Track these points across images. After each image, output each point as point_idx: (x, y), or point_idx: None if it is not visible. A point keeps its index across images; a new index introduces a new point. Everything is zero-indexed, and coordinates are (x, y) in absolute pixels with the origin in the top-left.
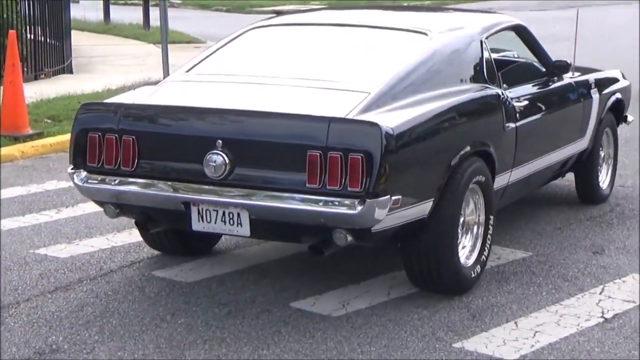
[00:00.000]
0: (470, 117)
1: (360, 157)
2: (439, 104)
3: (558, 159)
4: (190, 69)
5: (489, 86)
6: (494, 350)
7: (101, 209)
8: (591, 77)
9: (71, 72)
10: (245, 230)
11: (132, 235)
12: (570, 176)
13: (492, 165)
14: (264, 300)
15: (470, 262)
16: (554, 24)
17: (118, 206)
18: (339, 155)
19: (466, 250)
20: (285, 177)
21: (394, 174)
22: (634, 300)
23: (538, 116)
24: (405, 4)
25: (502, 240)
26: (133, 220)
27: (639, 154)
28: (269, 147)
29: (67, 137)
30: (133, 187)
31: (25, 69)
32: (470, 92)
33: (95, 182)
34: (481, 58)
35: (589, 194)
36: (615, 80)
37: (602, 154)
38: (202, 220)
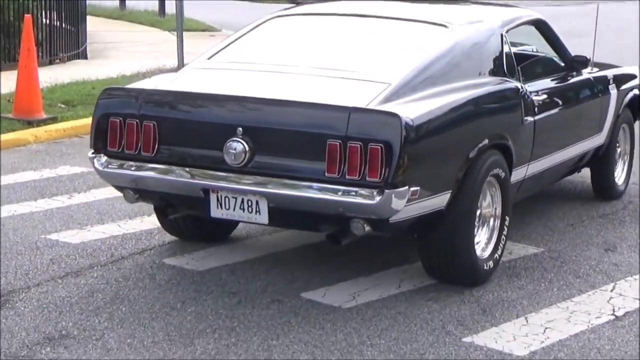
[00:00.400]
0: (489, 110)
1: (379, 147)
2: (458, 96)
3: (575, 154)
4: (212, 56)
5: (509, 80)
6: (504, 346)
7: (112, 195)
8: (609, 73)
9: (86, 57)
10: (264, 218)
11: (144, 223)
12: (583, 172)
13: (510, 158)
14: (274, 290)
15: (486, 254)
16: (570, 20)
17: (137, 191)
18: (358, 145)
19: (482, 243)
20: (304, 165)
21: (413, 165)
22: None
23: (556, 110)
24: None
25: (513, 236)
26: (144, 208)
27: None
28: (289, 136)
29: (80, 122)
30: (153, 172)
31: (40, 54)
32: (490, 85)
33: (116, 166)
34: (501, 51)
35: (604, 189)
36: (633, 77)
37: (618, 149)
38: (221, 207)
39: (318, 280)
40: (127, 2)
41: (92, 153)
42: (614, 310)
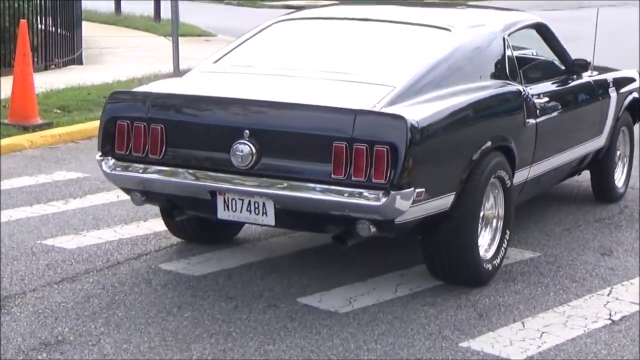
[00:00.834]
0: (493, 112)
1: (385, 149)
2: (462, 98)
3: (576, 156)
4: (217, 60)
5: (511, 83)
6: (501, 351)
7: (108, 201)
8: (609, 76)
9: (81, 63)
10: (270, 219)
11: (140, 228)
12: (579, 176)
13: (513, 160)
14: (270, 295)
15: (489, 255)
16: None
17: (145, 193)
18: (364, 147)
19: (485, 244)
20: (310, 167)
21: (418, 166)
22: None
23: (557, 113)
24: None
25: (510, 240)
26: (140, 213)
27: None
28: (296, 138)
29: (76, 127)
30: (160, 175)
31: (36, 59)
32: (493, 88)
33: (123, 169)
34: (503, 55)
35: (604, 192)
36: (632, 80)
37: (618, 152)
38: (228, 209)
39: (314, 285)
40: (122, 7)
41: (100, 156)
42: (610, 315)
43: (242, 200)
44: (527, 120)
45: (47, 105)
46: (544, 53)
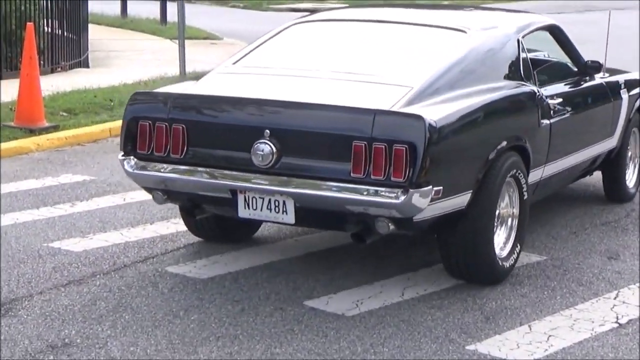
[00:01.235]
0: (508, 113)
1: (404, 148)
2: (478, 99)
3: (588, 157)
4: (237, 61)
5: (525, 84)
6: (507, 354)
7: (114, 204)
8: (621, 78)
9: (87, 66)
10: (290, 217)
11: (146, 231)
12: (587, 179)
13: (527, 160)
14: (277, 298)
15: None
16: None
17: (166, 192)
18: (383, 146)
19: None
20: (330, 166)
21: (436, 165)
22: None
23: (571, 114)
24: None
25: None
26: (146, 216)
27: None
28: (315, 138)
29: (82, 130)
30: (181, 174)
31: (42, 62)
32: (508, 88)
33: (145, 168)
34: (518, 56)
35: (616, 192)
36: None
37: (629, 153)
38: (248, 208)
39: (321, 288)
40: (128, 10)
41: (122, 156)
42: (617, 318)
43: (263, 198)
44: (542, 121)
45: (54, 108)
46: (556, 55)
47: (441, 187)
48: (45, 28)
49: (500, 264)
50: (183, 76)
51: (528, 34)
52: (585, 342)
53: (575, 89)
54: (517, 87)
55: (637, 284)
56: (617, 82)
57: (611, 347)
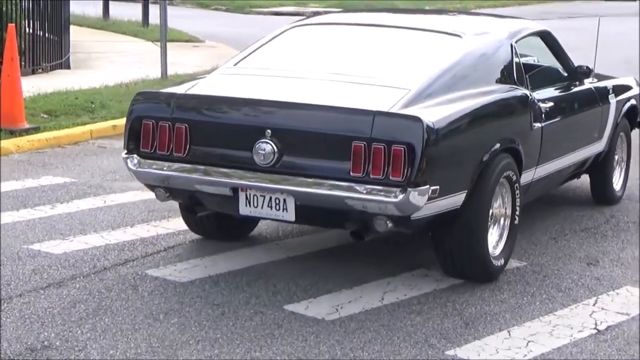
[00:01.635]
0: (502, 115)
1: (402, 148)
2: (474, 102)
3: (577, 160)
4: (237, 63)
5: (518, 87)
6: (487, 359)
7: (95, 206)
8: (609, 84)
9: (69, 67)
10: (291, 215)
11: (126, 233)
12: (567, 186)
13: (520, 162)
14: (257, 302)
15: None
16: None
17: (168, 190)
18: (382, 147)
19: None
20: (330, 165)
21: (433, 165)
22: (627, 312)
23: (562, 118)
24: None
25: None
26: (127, 219)
27: (638, 166)
28: (316, 138)
29: (63, 132)
30: (184, 172)
31: (23, 63)
32: (501, 92)
33: (148, 166)
34: (511, 61)
35: (603, 195)
36: (629, 87)
37: (616, 157)
38: (249, 205)
39: (301, 293)
40: (110, 12)
41: (126, 154)
42: (596, 325)
43: (264, 196)
44: (534, 124)
45: (34, 109)
46: (545, 60)
47: (438, 187)
48: (27, 29)
49: (493, 262)
50: (165, 78)
51: (521, 39)
52: (564, 348)
53: (566, 93)
54: (511, 91)
55: (617, 290)
56: (606, 87)
57: (590, 354)
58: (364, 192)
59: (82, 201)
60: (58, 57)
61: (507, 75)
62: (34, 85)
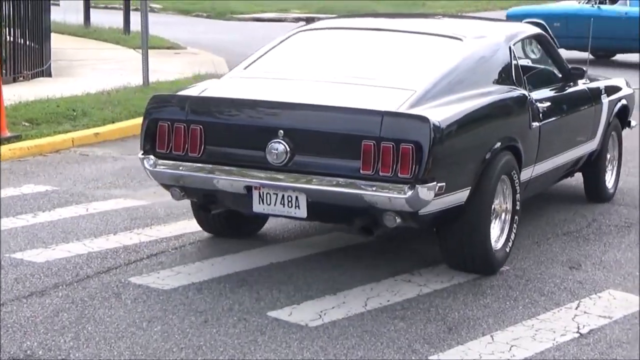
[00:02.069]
0: (503, 115)
1: (410, 147)
2: (476, 102)
3: (572, 158)
4: (247, 67)
5: (517, 88)
6: None
7: (77, 214)
8: (601, 84)
9: (50, 75)
10: (303, 212)
11: (109, 241)
12: (550, 190)
13: (520, 159)
14: (240, 308)
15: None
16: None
17: (183, 189)
18: (391, 145)
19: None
20: (340, 164)
21: (440, 163)
22: (610, 315)
23: (558, 117)
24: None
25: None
26: (109, 226)
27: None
28: (327, 137)
29: (45, 140)
30: (199, 171)
31: (4, 71)
32: (501, 93)
33: (164, 166)
34: (509, 62)
35: (596, 192)
36: (620, 88)
37: (608, 155)
38: (263, 203)
39: (284, 299)
40: (91, 19)
41: (142, 154)
42: (578, 328)
43: (277, 194)
44: (532, 123)
45: (16, 117)
46: (537, 62)
47: (444, 183)
48: (7, 37)
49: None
50: (146, 86)
51: (518, 41)
52: (547, 352)
53: (561, 93)
54: (510, 92)
55: (599, 294)
56: (598, 87)
57: (573, 357)
58: (374, 189)
59: (65, 209)
60: (39, 65)
61: (506, 77)
62: (15, 93)
